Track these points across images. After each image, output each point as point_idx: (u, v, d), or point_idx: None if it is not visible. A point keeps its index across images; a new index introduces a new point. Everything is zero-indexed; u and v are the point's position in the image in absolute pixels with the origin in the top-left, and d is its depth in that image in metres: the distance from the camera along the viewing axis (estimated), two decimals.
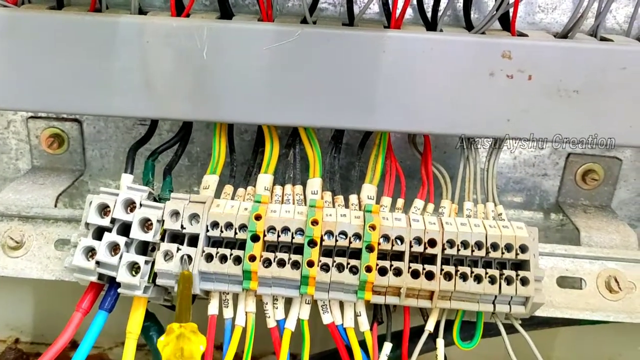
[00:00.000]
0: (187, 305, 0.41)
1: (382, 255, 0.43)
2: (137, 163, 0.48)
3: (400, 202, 0.47)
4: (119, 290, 0.42)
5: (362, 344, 0.44)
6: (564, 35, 0.45)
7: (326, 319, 0.44)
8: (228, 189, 0.47)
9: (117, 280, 0.41)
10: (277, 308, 0.44)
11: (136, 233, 0.41)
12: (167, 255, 0.42)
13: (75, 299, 0.44)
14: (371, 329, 0.44)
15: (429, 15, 0.48)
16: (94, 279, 0.42)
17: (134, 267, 0.42)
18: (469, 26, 0.48)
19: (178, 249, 0.42)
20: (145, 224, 0.42)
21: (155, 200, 0.44)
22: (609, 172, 0.55)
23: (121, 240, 0.41)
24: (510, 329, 0.46)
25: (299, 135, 0.48)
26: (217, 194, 0.47)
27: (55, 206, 0.52)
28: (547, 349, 0.71)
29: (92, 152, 0.57)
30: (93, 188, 0.58)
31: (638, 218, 0.57)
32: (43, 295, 0.70)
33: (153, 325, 0.48)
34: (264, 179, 0.47)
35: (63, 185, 0.53)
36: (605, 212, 0.55)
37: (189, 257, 0.41)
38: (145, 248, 0.43)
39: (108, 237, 0.41)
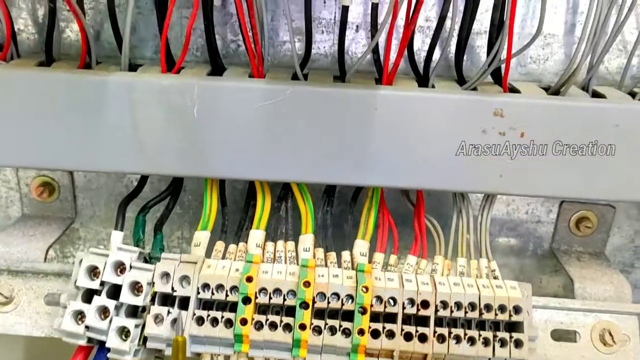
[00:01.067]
0: None
1: (375, 316, 0.42)
2: (127, 216, 0.47)
3: (393, 258, 0.47)
4: (109, 355, 0.41)
5: None
6: (556, 90, 0.45)
7: None
8: (219, 245, 0.47)
9: (107, 345, 0.41)
10: None
11: (126, 297, 0.41)
12: (158, 318, 0.41)
13: (65, 356, 0.43)
14: None
15: (420, 66, 0.48)
16: (83, 342, 0.41)
17: (123, 331, 0.41)
18: (461, 78, 0.48)
19: (169, 312, 0.41)
20: (136, 286, 0.42)
21: (145, 259, 0.44)
22: (602, 219, 0.55)
23: (111, 304, 0.41)
24: None
25: (291, 189, 0.48)
26: (209, 249, 0.46)
27: (46, 257, 0.51)
28: None
29: (82, 200, 0.56)
30: (84, 235, 0.58)
31: (631, 264, 0.57)
32: (35, 350, 0.70)
33: None
34: (256, 235, 0.46)
35: (53, 236, 0.53)
36: (599, 260, 0.54)
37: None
38: (135, 309, 0.43)
39: (97, 300, 0.41)
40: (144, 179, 0.50)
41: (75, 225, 0.57)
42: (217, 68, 0.47)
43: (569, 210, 0.55)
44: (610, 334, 0.48)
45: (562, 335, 0.48)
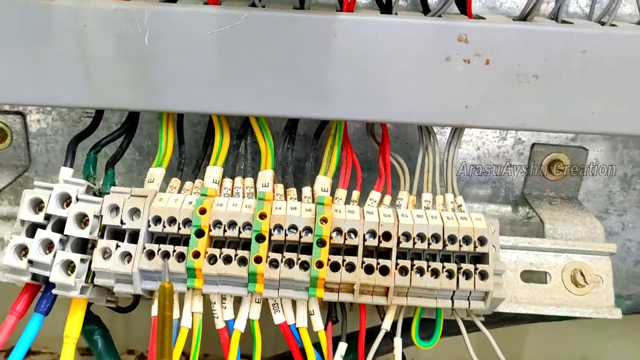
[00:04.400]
0: (169, 333, 0.37)
1: (336, 250, 0.41)
2: (83, 158, 0.45)
3: (355, 194, 0.45)
4: (54, 291, 0.39)
5: (317, 346, 0.42)
6: (523, 18, 0.43)
7: (277, 318, 0.42)
8: (174, 182, 0.45)
9: (51, 280, 0.38)
10: (225, 308, 0.42)
11: (71, 229, 0.39)
12: (106, 253, 0.39)
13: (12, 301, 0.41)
14: (325, 329, 0.42)
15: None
16: (27, 279, 0.39)
17: (69, 266, 0.39)
18: (426, 10, 0.46)
19: (117, 246, 0.39)
20: (83, 220, 0.40)
21: (95, 195, 0.42)
22: (574, 162, 0.53)
23: (55, 237, 0.39)
24: (475, 327, 0.44)
25: (251, 125, 0.46)
26: (164, 189, 0.44)
27: None
28: (516, 348, 0.70)
29: (37, 147, 0.54)
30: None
31: (605, 209, 0.56)
32: None
33: (97, 329, 0.45)
34: (213, 171, 0.44)
35: (4, 182, 0.50)
36: (571, 204, 0.53)
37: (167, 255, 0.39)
38: (84, 247, 0.41)
39: (41, 234, 0.39)
40: (98, 117, 0.47)
41: (29, 173, 0.55)
42: None
43: (541, 153, 0.54)
44: (582, 275, 0.46)
45: (532, 277, 0.47)
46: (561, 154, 0.53)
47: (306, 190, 0.44)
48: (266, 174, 0.44)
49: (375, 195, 0.45)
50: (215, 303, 0.41)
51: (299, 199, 0.44)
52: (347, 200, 0.45)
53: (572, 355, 0.71)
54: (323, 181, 0.45)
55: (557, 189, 0.54)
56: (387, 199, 0.45)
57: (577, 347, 0.70)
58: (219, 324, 0.41)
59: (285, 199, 0.44)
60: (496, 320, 0.52)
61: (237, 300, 0.42)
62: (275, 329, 0.42)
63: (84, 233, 0.39)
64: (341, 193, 0.44)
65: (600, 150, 0.54)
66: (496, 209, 0.56)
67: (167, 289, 0.38)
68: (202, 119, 0.54)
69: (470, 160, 0.55)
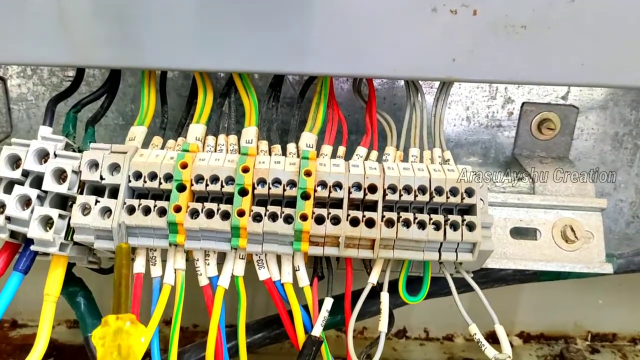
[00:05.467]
0: (125, 290, 0.37)
1: (321, 205, 0.40)
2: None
3: (341, 149, 0.44)
4: (32, 247, 0.38)
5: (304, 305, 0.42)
6: None
7: (262, 274, 0.41)
8: (156, 140, 0.44)
9: (29, 235, 0.38)
10: (209, 264, 0.41)
11: (49, 184, 0.38)
12: (85, 209, 0.38)
13: None
14: (311, 285, 0.41)
15: None
16: (4, 236, 0.39)
17: (48, 222, 0.38)
18: None
19: (97, 202, 0.38)
20: (61, 176, 0.39)
21: (74, 152, 0.41)
22: (565, 121, 0.52)
23: (33, 192, 0.38)
24: (466, 287, 0.43)
25: (234, 84, 0.45)
26: (146, 146, 0.44)
27: None
28: (510, 314, 0.70)
29: (18, 113, 0.53)
30: None
31: (596, 169, 0.55)
32: None
33: (80, 291, 0.45)
34: (196, 128, 0.44)
35: None
36: (562, 163, 0.52)
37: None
38: (64, 204, 0.40)
39: (18, 190, 0.38)
40: (78, 77, 0.46)
41: (11, 140, 0.53)
42: None
43: (531, 112, 0.53)
44: (573, 230, 0.46)
45: (521, 233, 0.46)
46: (551, 112, 0.52)
47: (291, 147, 0.43)
48: (250, 131, 0.43)
49: (361, 150, 0.44)
50: (198, 260, 0.41)
51: (284, 155, 0.43)
52: (333, 156, 0.44)
53: (565, 319, 0.70)
54: (308, 137, 0.44)
55: (547, 149, 0.53)
56: (374, 154, 0.44)
57: (570, 312, 0.70)
58: (203, 281, 0.41)
59: (270, 155, 0.43)
60: (486, 280, 0.52)
61: (221, 258, 0.41)
62: (265, 294, 0.41)
63: (62, 188, 0.38)
64: (327, 149, 0.44)
65: (591, 109, 0.53)
66: (486, 170, 0.56)
67: (124, 249, 0.38)
68: (186, 83, 0.53)
69: (459, 121, 0.54)
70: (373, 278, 0.41)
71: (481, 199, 0.41)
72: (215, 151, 0.43)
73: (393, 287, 0.42)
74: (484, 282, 0.52)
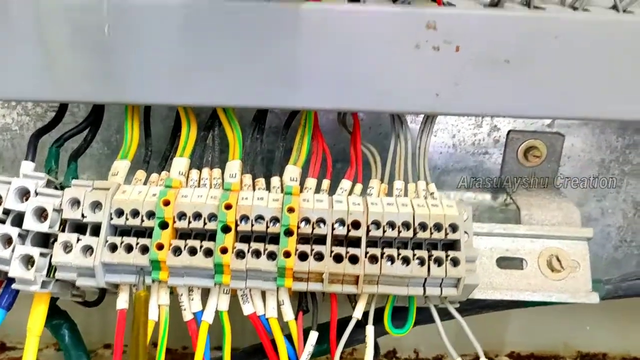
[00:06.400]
0: (144, 339, 0.38)
1: (305, 240, 0.40)
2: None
3: (325, 183, 0.44)
4: (14, 285, 0.38)
5: (289, 337, 0.41)
6: (494, 4, 0.42)
7: (247, 309, 0.41)
8: (140, 174, 0.44)
9: (10, 274, 0.37)
10: (193, 300, 0.41)
11: (30, 223, 0.38)
12: (67, 247, 0.38)
13: None
14: (296, 319, 0.41)
15: None
16: None
17: (29, 261, 0.38)
18: None
19: (78, 240, 0.38)
20: (42, 214, 0.39)
21: (57, 189, 0.41)
22: (551, 148, 0.53)
23: (14, 231, 0.38)
24: (451, 314, 0.43)
25: (218, 117, 0.45)
26: (130, 182, 0.43)
27: None
28: (499, 334, 0.69)
29: (3, 143, 0.53)
30: None
31: (584, 195, 0.55)
32: None
33: (64, 323, 0.44)
34: (179, 162, 0.43)
35: None
36: (548, 190, 0.52)
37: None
38: (47, 241, 0.40)
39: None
40: (61, 111, 0.46)
41: None
42: None
43: (517, 140, 0.53)
44: (558, 260, 0.46)
45: (507, 263, 0.46)
46: (537, 140, 0.52)
47: (275, 181, 0.43)
48: (233, 165, 0.43)
49: (345, 184, 0.44)
50: (182, 295, 0.41)
51: (268, 189, 0.43)
52: (317, 190, 0.44)
53: (554, 341, 0.70)
54: (292, 171, 0.44)
55: (534, 176, 0.54)
56: (358, 187, 0.44)
57: (560, 332, 0.70)
58: (187, 316, 0.41)
59: (254, 190, 0.43)
60: (473, 307, 0.52)
61: (205, 292, 0.41)
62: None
63: (43, 227, 0.38)
64: (311, 182, 0.44)
65: (577, 136, 0.54)
66: (473, 196, 0.56)
67: (142, 297, 0.38)
68: (171, 113, 0.53)
69: (445, 148, 0.54)
70: (358, 312, 0.41)
71: (466, 232, 0.41)
72: (199, 185, 0.43)
73: (379, 316, 0.42)
74: (471, 309, 0.51)
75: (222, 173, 0.43)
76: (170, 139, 0.46)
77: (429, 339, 0.72)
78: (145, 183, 0.43)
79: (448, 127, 0.53)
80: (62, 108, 0.46)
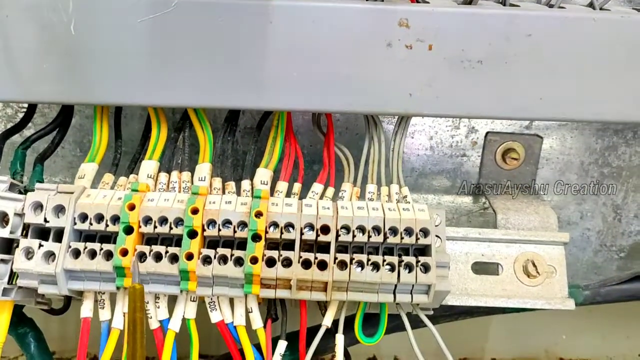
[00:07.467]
0: (141, 336, 0.34)
1: (275, 245, 0.39)
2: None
3: (297, 186, 0.43)
4: None
5: (258, 346, 0.41)
6: (468, 1, 0.42)
7: (214, 317, 0.40)
8: (107, 177, 0.43)
9: None
10: (159, 307, 0.40)
11: None
12: (29, 253, 0.37)
13: None
14: (265, 327, 0.40)
15: None
16: None
17: None
18: None
19: (40, 245, 0.37)
20: (4, 219, 0.38)
21: (21, 192, 0.40)
22: (529, 150, 0.52)
23: None
24: (431, 320, 0.43)
25: (189, 118, 0.44)
26: (97, 185, 0.43)
27: None
28: (480, 340, 0.69)
29: None
30: None
31: (563, 199, 0.55)
32: None
33: (30, 331, 0.43)
34: (148, 165, 0.43)
35: None
36: (527, 193, 0.51)
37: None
38: (10, 246, 0.39)
39: None
40: (29, 113, 0.45)
41: None
42: None
43: (495, 141, 0.52)
44: (534, 265, 0.45)
45: (483, 268, 0.46)
46: (515, 142, 0.52)
47: (245, 184, 0.42)
48: (203, 168, 0.42)
49: (317, 187, 0.43)
50: (148, 302, 0.40)
51: (238, 192, 0.42)
52: (289, 193, 0.43)
53: (536, 347, 0.70)
54: (263, 174, 0.43)
55: (512, 178, 0.53)
56: (330, 191, 0.43)
57: (541, 338, 0.69)
58: (153, 324, 0.40)
59: (224, 193, 0.42)
60: (450, 313, 0.51)
61: (172, 300, 0.40)
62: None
63: (4, 232, 0.37)
64: (282, 186, 0.43)
65: (556, 138, 0.53)
66: (452, 199, 0.55)
67: (137, 290, 0.35)
68: (145, 113, 0.52)
69: (423, 150, 0.53)
70: (327, 320, 0.40)
71: (438, 236, 0.40)
72: (168, 189, 0.42)
73: (350, 324, 0.41)
74: (449, 315, 0.51)
75: (192, 176, 0.42)
76: (141, 141, 0.45)
77: (409, 346, 0.71)
78: (112, 187, 0.42)
79: (425, 128, 0.52)
80: (31, 109, 0.45)
